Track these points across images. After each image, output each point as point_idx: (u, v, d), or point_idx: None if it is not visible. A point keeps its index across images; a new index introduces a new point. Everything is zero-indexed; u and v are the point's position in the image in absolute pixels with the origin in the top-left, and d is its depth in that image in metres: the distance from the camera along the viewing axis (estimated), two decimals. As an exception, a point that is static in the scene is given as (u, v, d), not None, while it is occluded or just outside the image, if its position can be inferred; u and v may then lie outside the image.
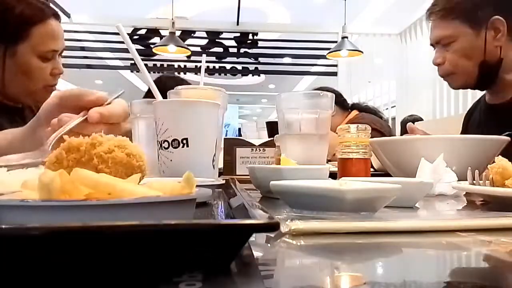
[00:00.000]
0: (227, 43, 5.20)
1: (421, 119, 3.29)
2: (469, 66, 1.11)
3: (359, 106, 2.26)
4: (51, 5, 1.13)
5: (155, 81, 2.12)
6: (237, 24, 4.86)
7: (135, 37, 4.91)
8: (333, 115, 2.39)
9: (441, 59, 1.15)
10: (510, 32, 1.08)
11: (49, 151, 0.56)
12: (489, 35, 1.08)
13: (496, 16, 1.07)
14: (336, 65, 4.91)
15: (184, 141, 0.63)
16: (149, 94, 1.84)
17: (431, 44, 1.20)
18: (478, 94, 1.33)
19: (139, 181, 0.32)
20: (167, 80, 1.92)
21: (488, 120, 1.19)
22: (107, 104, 0.65)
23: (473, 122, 1.29)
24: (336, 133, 0.75)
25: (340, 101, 2.21)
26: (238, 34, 5.16)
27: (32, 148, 0.65)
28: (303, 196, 0.43)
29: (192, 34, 4.98)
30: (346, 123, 1.71)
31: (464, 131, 1.31)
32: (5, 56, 1.00)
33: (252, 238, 0.29)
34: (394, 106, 5.00)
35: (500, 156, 0.56)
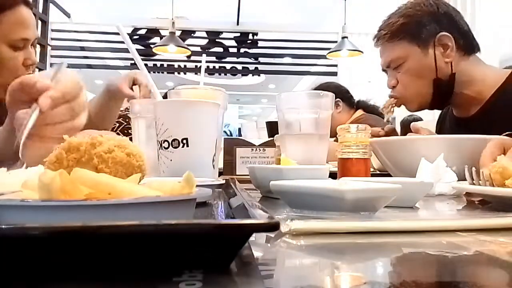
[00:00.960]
0: (227, 43, 5.21)
1: (420, 119, 3.28)
2: (422, 86, 1.09)
3: (364, 105, 2.23)
4: None
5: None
6: (237, 24, 4.86)
7: (135, 37, 4.91)
8: (339, 112, 2.34)
9: (394, 81, 1.13)
10: (458, 47, 1.07)
11: (22, 159, 0.55)
12: (437, 52, 1.07)
13: (443, 32, 1.06)
14: (336, 65, 4.91)
15: (184, 141, 0.63)
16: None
17: (383, 70, 1.19)
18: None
19: (139, 181, 0.32)
20: None
21: (457, 132, 1.17)
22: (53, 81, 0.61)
23: (444, 132, 1.27)
24: (337, 133, 0.75)
25: (347, 97, 2.18)
26: (238, 34, 5.16)
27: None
28: (303, 196, 0.43)
29: (192, 34, 4.98)
30: (350, 123, 1.70)
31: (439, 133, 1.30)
32: None
33: (252, 238, 0.29)
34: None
35: (502, 155, 0.56)
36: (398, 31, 1.10)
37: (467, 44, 1.09)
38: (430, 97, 1.10)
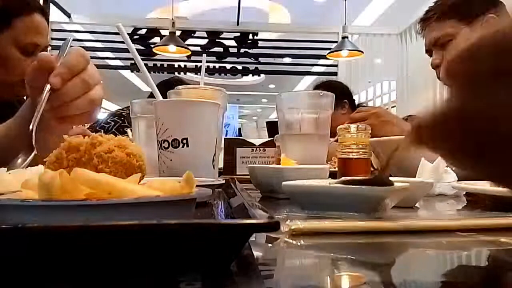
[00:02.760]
0: (227, 43, 5.20)
1: None
2: None
3: (365, 107, 2.20)
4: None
5: (163, 82, 2.11)
6: (237, 24, 4.85)
7: (135, 37, 4.90)
8: (344, 113, 2.28)
9: (439, 60, 1.16)
10: None
11: (32, 136, 0.55)
12: None
13: (490, 14, 1.10)
14: (336, 65, 4.90)
15: (184, 141, 0.63)
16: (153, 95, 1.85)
17: (427, 51, 1.22)
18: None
19: (139, 181, 0.32)
20: (176, 83, 1.88)
21: None
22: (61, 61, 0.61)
23: None
24: (336, 133, 0.75)
25: (352, 100, 2.13)
26: (238, 34, 5.15)
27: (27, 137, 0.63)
28: (323, 197, 0.42)
29: (192, 34, 4.97)
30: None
31: None
32: None
33: (252, 238, 0.29)
34: (394, 106, 5.00)
35: None
36: (448, 10, 1.14)
37: None
38: None
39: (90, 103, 0.61)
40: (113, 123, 1.75)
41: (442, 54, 1.15)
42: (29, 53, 1.03)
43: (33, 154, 0.55)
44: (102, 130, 1.67)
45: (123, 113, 1.83)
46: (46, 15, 1.07)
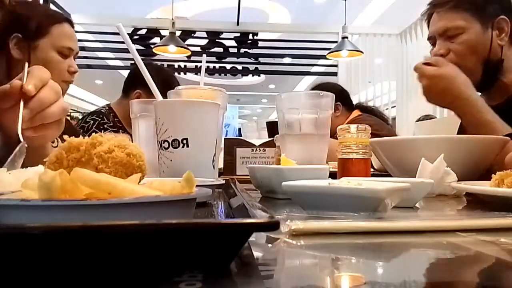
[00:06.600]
0: (227, 43, 5.20)
1: (435, 118, 3.30)
2: (472, 63, 1.10)
3: (361, 106, 2.21)
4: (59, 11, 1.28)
5: (154, 70, 2.07)
6: (237, 24, 4.85)
7: (135, 37, 4.90)
8: (338, 115, 2.29)
9: (445, 50, 1.11)
10: (510, 35, 1.10)
11: (23, 142, 0.57)
12: (494, 33, 1.09)
13: (502, 16, 1.09)
14: (336, 65, 4.90)
15: (184, 141, 0.63)
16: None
17: (430, 38, 1.17)
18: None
19: (139, 181, 0.32)
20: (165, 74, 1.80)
21: None
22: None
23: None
24: (336, 133, 0.75)
25: (348, 103, 2.12)
26: (238, 34, 5.15)
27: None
28: (324, 197, 0.42)
29: (192, 34, 4.97)
30: (347, 123, 1.69)
31: (461, 132, 1.30)
32: (29, 50, 1.16)
33: (252, 238, 0.29)
34: (394, 106, 5.00)
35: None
36: (465, 1, 1.10)
37: None
38: (480, 78, 1.10)
39: (63, 111, 0.67)
40: (92, 121, 1.75)
41: (447, 45, 1.11)
42: (66, 56, 1.22)
43: (20, 145, 0.57)
44: (82, 130, 1.66)
45: (103, 110, 1.82)
46: (73, 25, 1.27)
